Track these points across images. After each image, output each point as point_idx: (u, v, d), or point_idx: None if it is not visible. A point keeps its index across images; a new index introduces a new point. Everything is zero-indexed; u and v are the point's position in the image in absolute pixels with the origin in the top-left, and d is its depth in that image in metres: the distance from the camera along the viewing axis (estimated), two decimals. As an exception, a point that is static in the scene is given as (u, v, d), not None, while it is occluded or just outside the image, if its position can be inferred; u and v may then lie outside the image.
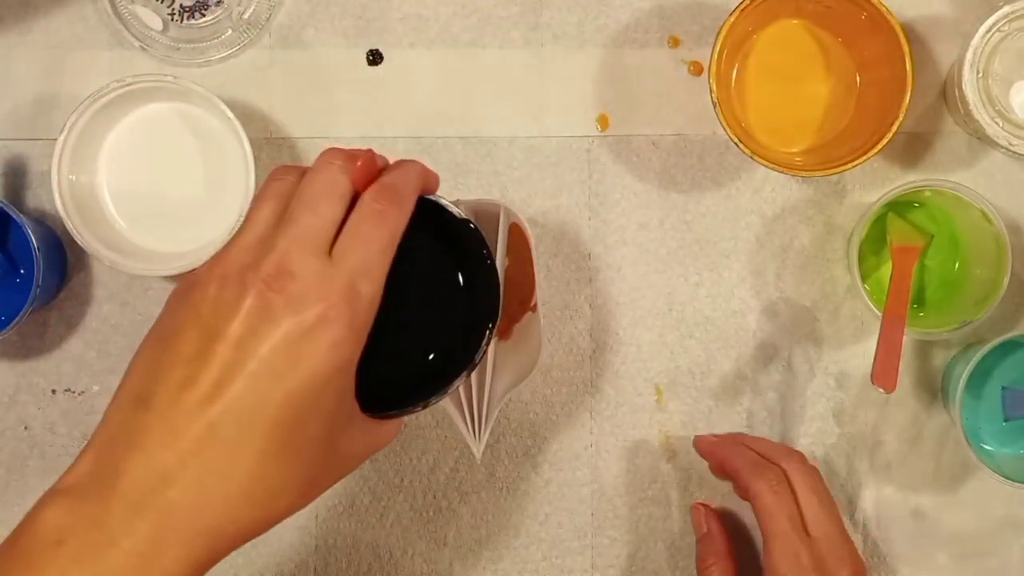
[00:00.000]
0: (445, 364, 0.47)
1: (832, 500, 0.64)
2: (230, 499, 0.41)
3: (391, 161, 0.48)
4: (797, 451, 0.66)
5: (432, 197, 0.48)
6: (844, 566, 0.60)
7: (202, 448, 0.40)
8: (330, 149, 0.45)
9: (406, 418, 0.49)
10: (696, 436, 0.69)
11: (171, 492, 0.40)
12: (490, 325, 0.47)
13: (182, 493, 0.40)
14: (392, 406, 0.46)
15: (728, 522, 0.69)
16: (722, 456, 0.65)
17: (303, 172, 0.45)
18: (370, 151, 0.46)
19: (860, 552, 0.69)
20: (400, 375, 0.47)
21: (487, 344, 0.47)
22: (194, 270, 0.44)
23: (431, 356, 0.47)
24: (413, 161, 0.48)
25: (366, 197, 0.44)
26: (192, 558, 0.40)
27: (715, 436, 0.68)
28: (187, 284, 0.43)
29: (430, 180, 0.48)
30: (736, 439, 0.67)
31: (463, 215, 0.48)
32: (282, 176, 0.46)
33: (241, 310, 0.41)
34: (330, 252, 0.43)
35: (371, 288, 0.43)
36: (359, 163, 0.45)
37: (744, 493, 0.63)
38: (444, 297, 0.46)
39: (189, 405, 0.41)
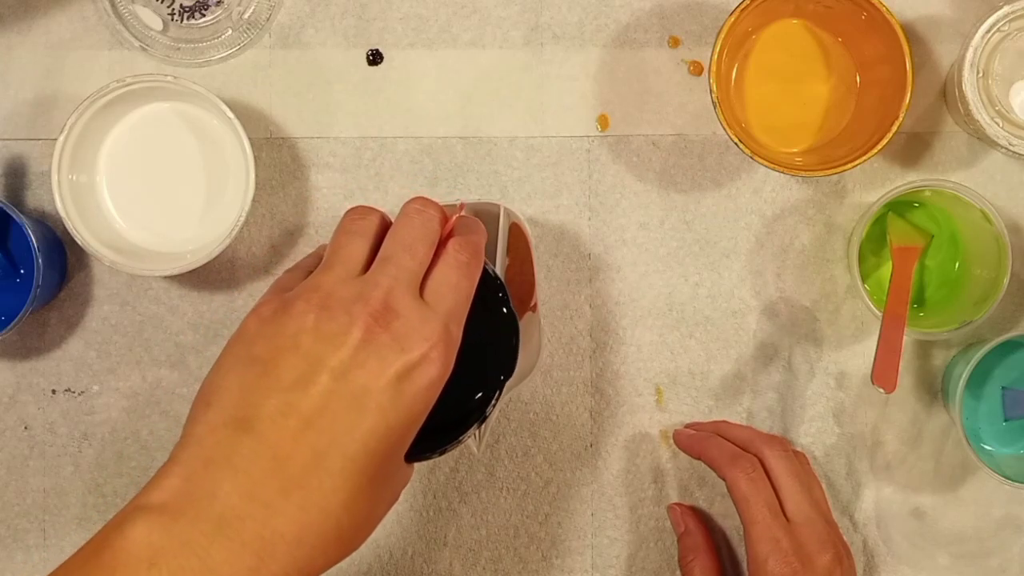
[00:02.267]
0: (458, 412, 0.48)
1: (816, 485, 0.65)
2: (325, 533, 0.41)
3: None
4: (779, 437, 0.67)
5: None
6: (826, 550, 0.60)
7: (306, 477, 0.40)
8: (421, 198, 0.47)
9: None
10: (675, 431, 0.69)
11: (273, 522, 0.39)
12: (503, 379, 0.49)
13: (285, 525, 0.40)
14: (413, 450, 0.47)
15: (718, 517, 0.69)
16: (699, 450, 0.66)
17: (382, 215, 0.48)
18: (462, 206, 0.49)
19: (860, 549, 0.69)
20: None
21: (499, 398, 0.49)
22: (279, 291, 0.45)
23: (447, 403, 0.47)
24: (477, 220, 0.50)
25: (452, 248, 0.46)
26: None
27: (694, 428, 0.69)
28: (274, 309, 0.44)
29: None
30: (718, 428, 0.68)
31: (496, 273, 0.50)
32: (365, 215, 0.47)
33: (347, 342, 0.42)
34: (421, 295, 0.44)
35: (459, 333, 0.45)
36: (453, 219, 0.47)
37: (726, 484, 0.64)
38: (466, 348, 0.46)
39: (292, 431, 0.40)
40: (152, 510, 0.39)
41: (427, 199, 0.47)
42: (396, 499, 0.46)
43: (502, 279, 0.50)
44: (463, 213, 0.49)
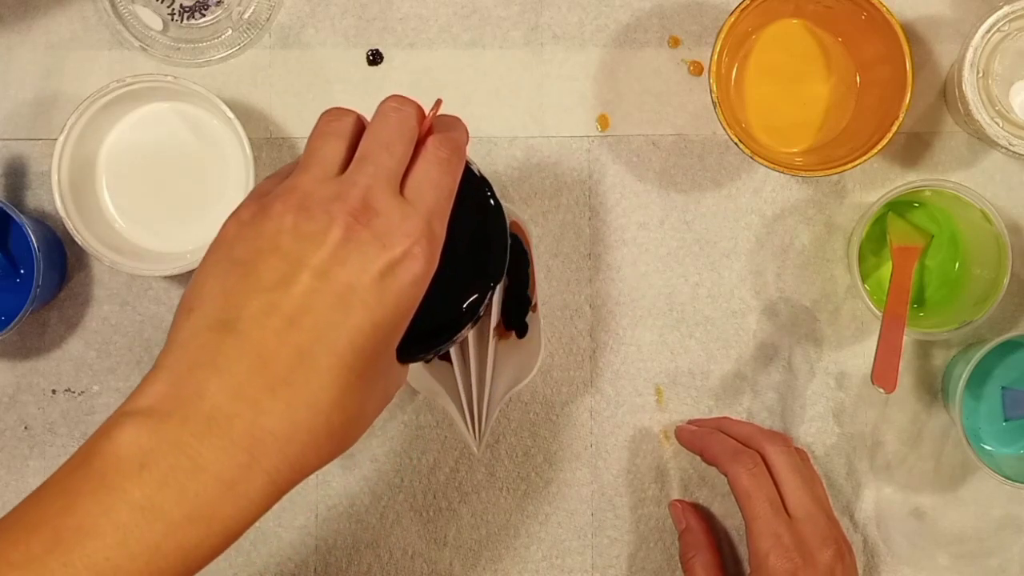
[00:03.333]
0: (450, 314, 0.48)
1: (817, 481, 0.65)
2: (315, 429, 0.41)
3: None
4: (781, 434, 0.67)
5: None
6: (827, 546, 0.60)
7: (292, 374, 0.40)
8: (397, 96, 0.47)
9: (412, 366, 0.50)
10: (677, 427, 0.69)
11: (261, 420, 0.39)
12: (493, 284, 0.49)
13: (274, 421, 0.40)
14: (402, 352, 0.47)
15: (719, 517, 0.69)
16: (700, 446, 0.66)
17: (358, 116, 0.47)
18: (439, 103, 0.48)
19: (860, 548, 0.69)
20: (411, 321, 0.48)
21: (491, 299, 0.49)
22: (259, 197, 0.44)
23: (440, 305, 0.47)
24: (458, 118, 0.49)
25: (432, 145, 0.46)
26: (274, 488, 0.40)
27: (696, 424, 0.69)
28: (253, 212, 0.43)
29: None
30: (720, 424, 0.68)
31: (481, 173, 0.50)
32: (340, 116, 0.47)
33: (327, 240, 0.41)
34: (401, 193, 0.44)
35: (442, 230, 0.44)
36: (430, 114, 0.47)
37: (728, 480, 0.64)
38: (453, 249, 0.46)
39: (276, 330, 0.40)
40: (139, 414, 0.39)
41: (403, 96, 0.47)
42: (390, 399, 0.46)
43: (490, 183, 0.50)
44: (438, 108, 0.48)
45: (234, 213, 0.44)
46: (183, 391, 0.40)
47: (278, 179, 0.47)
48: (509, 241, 0.50)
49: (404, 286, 0.42)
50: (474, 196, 0.49)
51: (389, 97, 0.47)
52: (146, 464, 0.38)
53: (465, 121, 0.70)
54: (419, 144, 0.46)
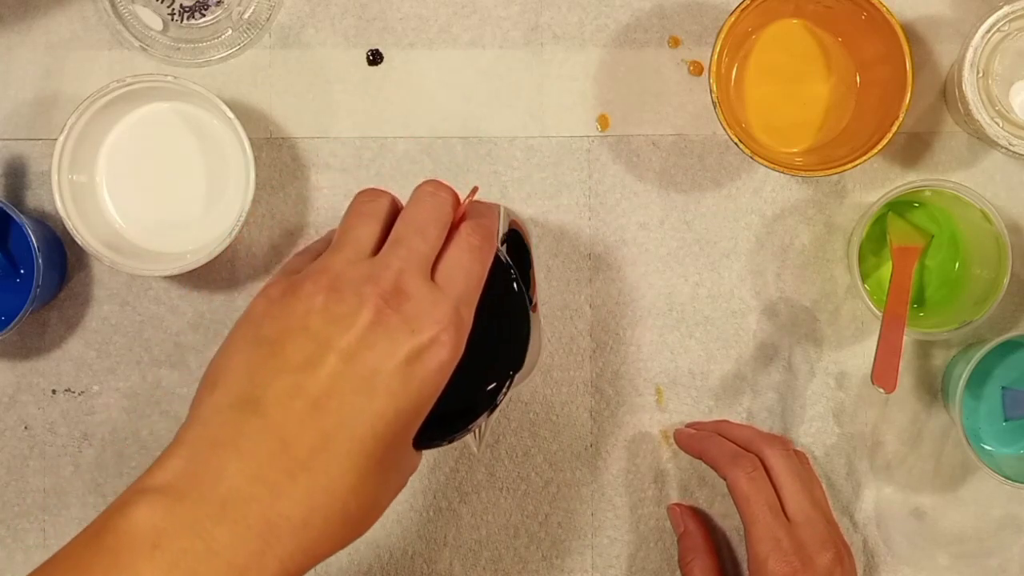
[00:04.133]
0: (467, 400, 0.48)
1: (817, 485, 0.65)
2: (331, 516, 0.40)
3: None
4: (780, 437, 0.67)
5: None
6: (826, 549, 0.60)
7: (313, 460, 0.40)
8: (434, 181, 0.47)
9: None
10: (676, 430, 0.69)
11: (278, 504, 0.39)
12: (515, 365, 0.48)
13: (290, 507, 0.39)
14: (421, 438, 0.46)
15: (719, 517, 0.69)
16: (699, 449, 0.66)
17: (393, 198, 0.47)
18: (475, 191, 0.48)
19: (861, 549, 0.69)
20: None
21: (509, 389, 0.48)
22: (288, 274, 0.44)
23: (457, 392, 0.46)
24: (492, 204, 0.50)
25: (464, 231, 0.46)
26: (285, 574, 0.39)
27: (695, 428, 0.69)
28: (283, 290, 0.43)
29: None
30: (718, 427, 0.68)
31: (508, 260, 0.49)
32: (376, 198, 0.47)
33: (357, 323, 0.41)
34: (432, 278, 0.44)
35: (470, 316, 0.44)
36: (465, 201, 0.47)
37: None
38: (475, 335, 0.46)
39: (300, 413, 0.40)
40: (156, 491, 0.39)
41: (439, 182, 0.47)
42: (404, 485, 0.46)
43: (515, 271, 0.50)
44: (476, 198, 0.48)
45: (263, 290, 0.44)
46: (202, 470, 0.39)
47: (308, 256, 0.47)
48: (530, 329, 0.49)
49: (429, 373, 0.42)
50: (498, 283, 0.49)
51: (425, 181, 0.47)
52: (159, 544, 0.38)
53: (465, 121, 0.70)
54: (452, 229, 0.46)
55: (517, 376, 0.50)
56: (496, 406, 0.48)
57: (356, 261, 0.43)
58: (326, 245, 0.48)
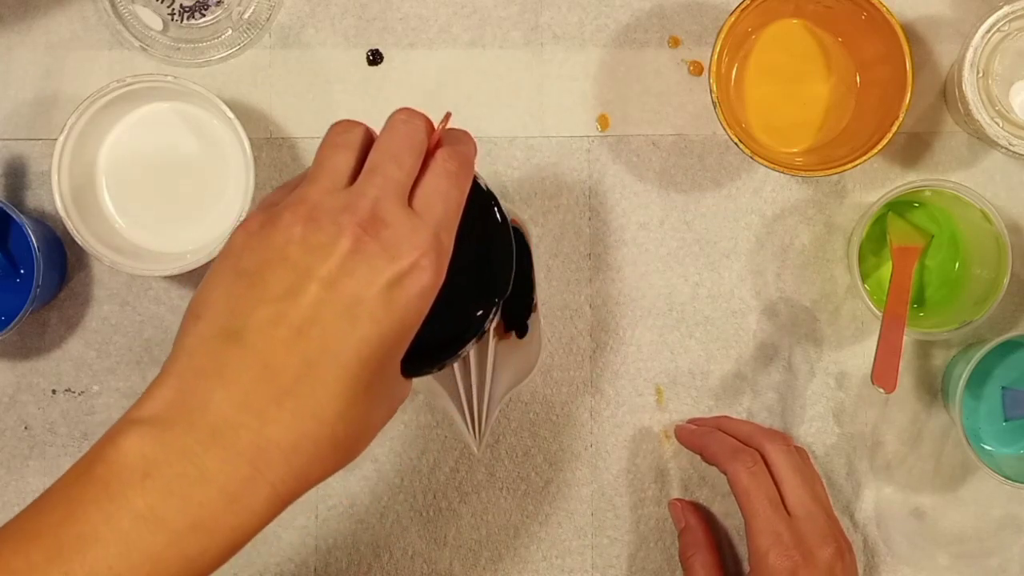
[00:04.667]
0: (454, 328, 0.48)
1: (817, 480, 0.65)
2: (320, 441, 0.41)
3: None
4: (780, 432, 0.67)
5: None
6: (827, 544, 0.60)
7: (298, 385, 0.40)
8: (406, 108, 0.47)
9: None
10: (677, 426, 0.69)
11: (267, 430, 0.39)
12: (498, 300, 0.49)
13: (279, 432, 0.40)
14: (407, 365, 0.46)
15: (719, 516, 0.70)
16: (700, 445, 0.66)
17: (367, 128, 0.47)
18: (448, 116, 0.48)
19: (861, 548, 0.69)
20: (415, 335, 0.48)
21: (496, 314, 0.49)
22: (267, 208, 0.44)
23: (444, 319, 0.47)
24: (467, 132, 0.50)
25: (440, 157, 0.46)
26: (277, 499, 0.40)
27: (695, 423, 0.69)
28: (261, 222, 0.43)
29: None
30: (719, 423, 0.68)
31: (488, 187, 0.49)
32: (349, 128, 0.47)
33: (335, 251, 0.41)
34: (409, 205, 0.44)
35: (450, 242, 0.44)
36: (439, 127, 0.47)
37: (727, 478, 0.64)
38: (459, 263, 0.46)
39: (283, 340, 0.40)
40: (145, 422, 0.39)
41: (412, 109, 0.47)
42: (393, 412, 0.46)
43: (496, 197, 0.50)
44: (447, 121, 0.48)
45: (242, 223, 0.44)
46: (189, 400, 0.40)
47: (287, 190, 0.47)
48: (515, 255, 0.50)
49: (411, 298, 0.42)
50: (480, 210, 0.49)
51: (398, 110, 0.47)
52: (150, 473, 0.38)
53: (465, 121, 0.70)
54: (428, 157, 0.46)
55: (515, 378, 0.50)
56: (484, 332, 0.49)
57: (333, 191, 0.44)
58: (301, 180, 0.48)
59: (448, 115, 0.48)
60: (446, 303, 0.45)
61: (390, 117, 0.47)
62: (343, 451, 0.42)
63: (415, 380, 0.50)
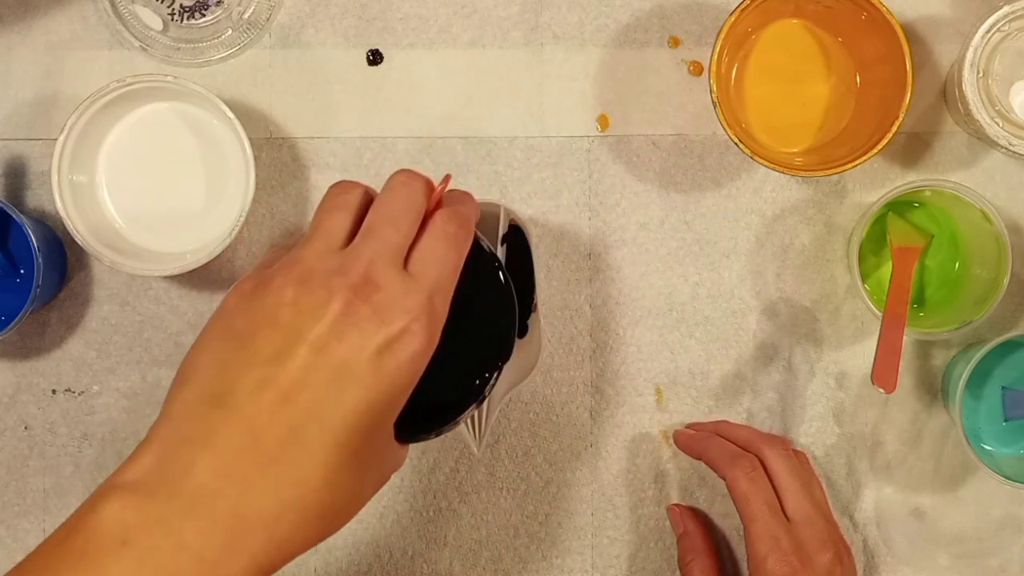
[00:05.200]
0: (456, 391, 0.47)
1: (816, 485, 0.65)
2: (304, 509, 0.40)
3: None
4: (780, 437, 0.67)
5: None
6: (826, 549, 0.60)
7: (283, 452, 0.39)
8: (407, 170, 0.47)
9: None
10: (675, 431, 0.69)
11: (247, 498, 0.39)
12: (502, 357, 0.48)
13: (260, 501, 0.39)
14: (405, 431, 0.46)
15: (719, 517, 0.69)
16: (699, 450, 0.66)
17: (366, 189, 0.47)
18: (448, 178, 0.47)
19: (861, 549, 0.69)
20: (412, 400, 0.46)
21: (497, 379, 0.48)
22: (261, 269, 0.44)
23: (443, 383, 0.46)
24: (469, 193, 0.49)
25: (439, 219, 0.45)
26: (257, 569, 0.39)
27: (694, 428, 0.69)
28: (254, 284, 0.43)
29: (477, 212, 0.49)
30: (718, 428, 0.68)
31: (492, 249, 0.49)
32: (349, 190, 0.46)
33: (326, 315, 0.41)
34: (405, 267, 0.43)
35: (444, 306, 0.44)
36: (439, 188, 0.46)
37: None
38: (460, 326, 0.45)
39: (269, 406, 0.40)
40: (125, 488, 0.39)
41: (412, 171, 0.47)
42: (386, 480, 0.45)
43: (499, 256, 0.49)
44: (451, 185, 0.48)
45: (235, 286, 0.44)
46: (171, 466, 0.39)
47: (282, 251, 0.46)
48: (517, 320, 0.49)
49: (402, 363, 0.42)
50: (483, 271, 0.48)
51: (398, 171, 0.47)
52: (127, 541, 0.38)
53: (465, 121, 0.70)
54: (427, 218, 0.46)
55: (514, 378, 0.50)
56: (484, 398, 0.48)
57: (327, 253, 0.43)
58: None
59: (448, 177, 0.47)
60: (445, 367, 0.44)
61: (389, 179, 0.46)
62: (329, 519, 0.41)
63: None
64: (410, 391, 0.43)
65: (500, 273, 0.49)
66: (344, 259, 0.43)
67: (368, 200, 0.46)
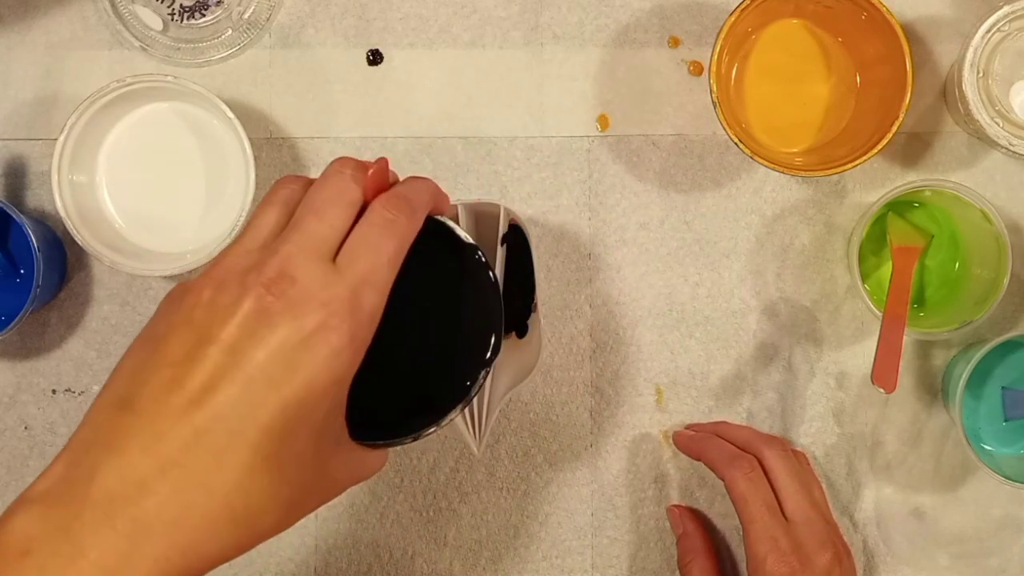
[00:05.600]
0: (439, 393, 0.45)
1: (816, 485, 0.65)
2: (211, 514, 0.38)
3: (400, 178, 0.46)
4: (778, 438, 0.67)
5: (442, 218, 0.46)
6: (825, 549, 0.60)
7: (186, 456, 0.38)
8: (341, 158, 0.44)
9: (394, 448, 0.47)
10: (675, 432, 0.69)
11: (147, 502, 0.37)
12: (488, 358, 0.45)
13: (159, 504, 0.38)
14: (381, 434, 0.44)
15: (719, 516, 0.69)
16: (697, 451, 0.66)
17: (310, 182, 0.44)
18: (382, 161, 0.44)
19: (861, 549, 0.69)
20: (391, 401, 0.45)
21: (484, 378, 0.45)
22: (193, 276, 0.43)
23: (425, 384, 0.45)
24: (425, 178, 0.46)
25: (376, 205, 0.43)
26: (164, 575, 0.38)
27: (693, 429, 0.69)
28: (181, 288, 0.42)
29: (441, 200, 0.46)
30: (717, 428, 0.68)
31: (471, 240, 0.46)
32: (288, 184, 0.44)
33: (237, 313, 0.39)
34: (335, 260, 0.41)
35: (375, 299, 0.41)
36: (370, 172, 0.43)
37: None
38: (444, 324, 0.44)
39: (175, 408, 0.38)
40: (34, 500, 0.38)
41: (349, 158, 0.44)
42: (338, 485, 0.43)
43: (482, 250, 0.46)
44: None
45: (168, 292, 0.43)
46: (76, 473, 0.38)
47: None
48: (502, 314, 0.46)
49: (318, 361, 0.39)
50: (468, 268, 0.45)
51: (334, 160, 0.44)
52: (29, 551, 0.37)
53: (465, 121, 0.70)
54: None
55: (514, 379, 0.49)
56: (469, 399, 0.45)
57: (249, 251, 0.42)
58: None
59: (381, 160, 0.44)
60: (427, 367, 0.42)
61: (325, 169, 0.44)
62: (244, 525, 0.39)
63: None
64: (338, 389, 0.41)
65: (486, 270, 0.46)
66: (262, 255, 0.41)
67: None
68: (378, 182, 0.43)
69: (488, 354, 0.45)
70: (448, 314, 0.44)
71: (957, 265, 0.68)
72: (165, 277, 0.69)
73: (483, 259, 0.46)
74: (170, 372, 0.39)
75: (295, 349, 0.39)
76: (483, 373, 0.45)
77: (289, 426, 0.39)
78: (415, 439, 0.44)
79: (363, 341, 0.41)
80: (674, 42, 0.70)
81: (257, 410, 0.39)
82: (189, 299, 0.41)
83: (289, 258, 0.40)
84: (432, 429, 0.44)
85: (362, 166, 0.44)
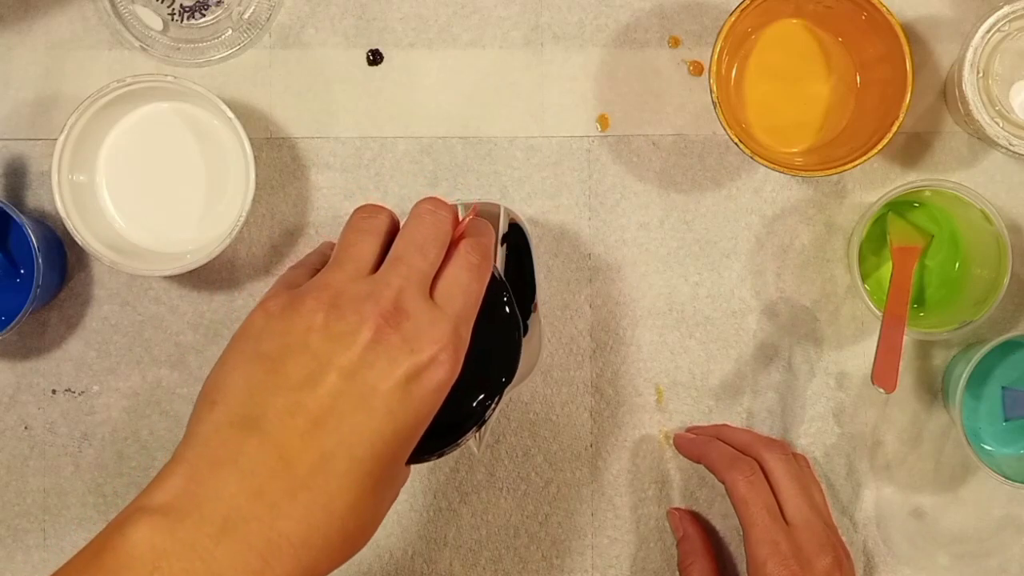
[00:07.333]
0: (455, 416, 0.47)
1: (816, 488, 0.65)
2: (330, 535, 0.40)
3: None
4: (779, 441, 0.67)
5: None
6: (825, 552, 0.60)
7: (312, 479, 0.40)
8: (431, 198, 0.47)
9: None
10: (675, 435, 0.69)
11: (280, 524, 0.39)
12: (504, 381, 0.48)
13: (291, 526, 0.39)
14: (411, 455, 0.46)
15: (719, 516, 0.69)
16: (698, 454, 0.66)
17: (391, 214, 0.47)
18: (476, 214, 0.48)
19: (861, 549, 0.69)
20: None
21: (499, 402, 0.48)
22: (286, 287, 0.44)
23: (447, 406, 0.46)
24: (486, 221, 0.50)
25: (463, 249, 0.46)
26: None
27: (694, 432, 0.69)
28: (283, 305, 0.43)
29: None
30: (718, 431, 0.68)
31: (500, 275, 0.49)
32: (376, 214, 0.47)
33: (357, 341, 0.41)
34: (431, 296, 0.44)
35: (467, 334, 0.45)
36: (465, 221, 0.47)
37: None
38: (468, 351, 0.46)
39: (300, 432, 0.40)
40: (155, 511, 0.39)
41: (439, 199, 0.47)
42: (395, 500, 0.46)
43: (506, 281, 0.50)
44: (474, 215, 0.49)
45: (262, 303, 0.44)
46: (201, 489, 0.39)
47: (304, 269, 0.47)
48: (521, 347, 0.50)
49: (428, 392, 0.42)
50: (491, 300, 0.49)
51: (425, 199, 0.47)
52: (159, 566, 0.37)
53: (465, 121, 0.70)
54: (452, 247, 0.46)
55: (514, 379, 0.50)
56: (485, 421, 0.48)
57: (356, 278, 0.44)
58: (320, 258, 0.48)
59: (475, 206, 0.48)
60: (452, 389, 0.44)
61: (416, 206, 0.47)
62: (351, 544, 0.42)
63: None
64: (430, 420, 0.43)
65: (507, 298, 0.50)
66: (374, 285, 0.43)
67: (394, 225, 0.47)
68: (461, 227, 0.47)
69: (505, 378, 0.49)
70: (472, 342, 0.46)
71: (957, 265, 0.68)
72: (165, 277, 0.69)
73: (509, 296, 0.50)
74: (292, 396, 0.41)
75: (409, 380, 0.42)
76: (499, 395, 0.48)
77: (396, 452, 0.42)
78: (439, 456, 0.48)
79: (456, 374, 0.44)
80: (674, 42, 0.70)
81: (374, 436, 0.41)
82: (301, 321, 0.42)
83: (401, 292, 0.43)
84: (452, 449, 0.48)
85: (450, 208, 0.47)
